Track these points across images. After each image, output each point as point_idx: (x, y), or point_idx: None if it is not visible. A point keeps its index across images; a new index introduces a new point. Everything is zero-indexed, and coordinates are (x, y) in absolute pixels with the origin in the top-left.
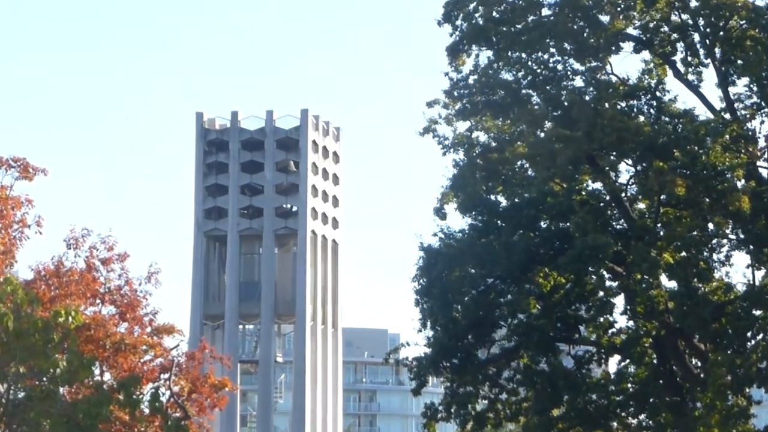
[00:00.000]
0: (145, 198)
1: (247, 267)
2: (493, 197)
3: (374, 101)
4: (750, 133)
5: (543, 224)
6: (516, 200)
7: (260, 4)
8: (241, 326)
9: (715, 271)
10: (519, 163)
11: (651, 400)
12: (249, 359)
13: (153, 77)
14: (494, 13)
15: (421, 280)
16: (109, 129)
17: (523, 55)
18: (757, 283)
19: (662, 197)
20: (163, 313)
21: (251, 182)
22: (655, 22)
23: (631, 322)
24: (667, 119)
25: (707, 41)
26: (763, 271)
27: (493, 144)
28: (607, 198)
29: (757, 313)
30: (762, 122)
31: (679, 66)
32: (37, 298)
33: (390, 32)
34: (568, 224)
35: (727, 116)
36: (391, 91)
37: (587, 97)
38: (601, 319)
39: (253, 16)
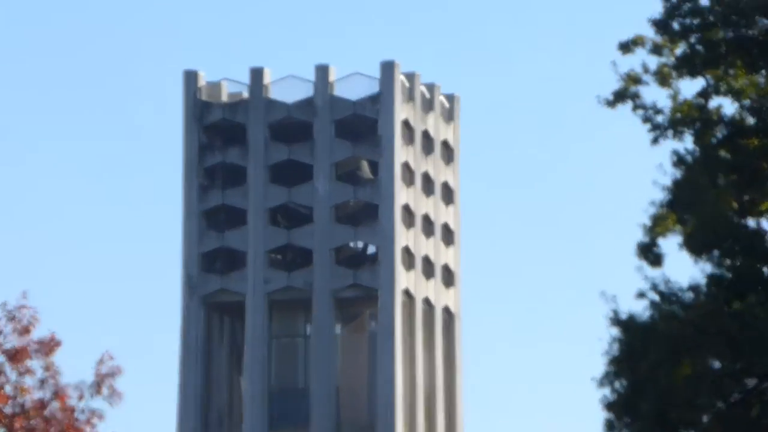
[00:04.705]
0: (92, 240)
1: (285, 362)
2: (752, 222)
3: (515, 50)
4: None
5: None
6: None
7: None
8: None
9: None
10: None
11: None
12: None
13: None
14: None
15: (616, 384)
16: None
17: None
18: None
19: None
20: None
21: (289, 201)
22: None
23: None
24: None
25: None
26: None
27: (751, 120)
28: None
29: None
30: None
31: None
32: None
33: None
34: None
35: None
36: (544, 30)
37: None
38: None
39: None
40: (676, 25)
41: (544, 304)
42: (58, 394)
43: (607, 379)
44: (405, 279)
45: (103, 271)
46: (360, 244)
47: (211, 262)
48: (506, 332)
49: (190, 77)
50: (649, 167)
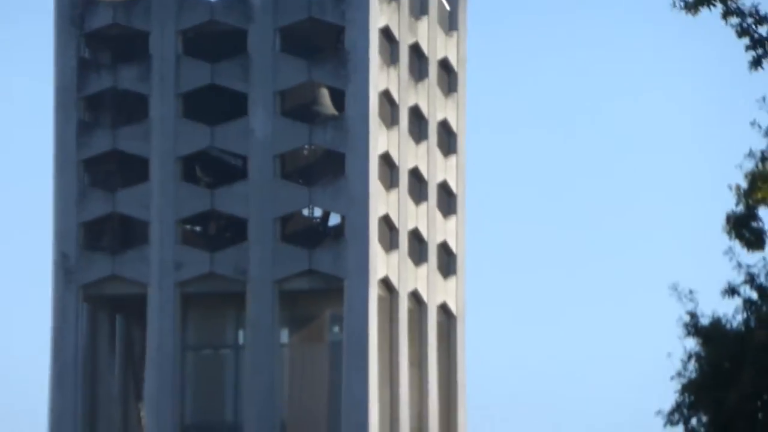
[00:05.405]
0: None
1: (205, 383)
2: None
3: None
4: None
5: None
6: None
7: None
8: None
9: None
10: None
11: None
12: None
13: None
14: None
15: (693, 420)
16: None
17: None
18: None
19: None
20: None
21: (212, 147)
22: None
23: None
24: None
25: None
26: None
27: None
28: None
29: None
30: None
31: None
32: None
33: None
34: None
35: None
36: None
37: None
38: None
39: None
40: None
41: (584, 302)
42: None
43: (679, 412)
44: (384, 264)
45: None
46: (317, 212)
47: (95, 237)
48: (526, 339)
49: None
50: (746, 101)
